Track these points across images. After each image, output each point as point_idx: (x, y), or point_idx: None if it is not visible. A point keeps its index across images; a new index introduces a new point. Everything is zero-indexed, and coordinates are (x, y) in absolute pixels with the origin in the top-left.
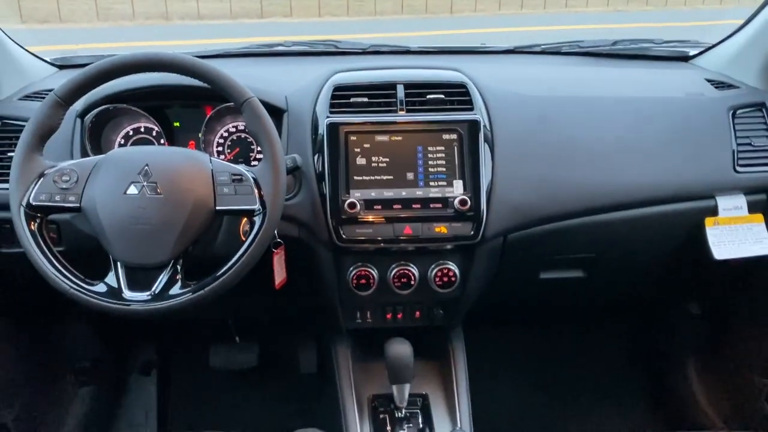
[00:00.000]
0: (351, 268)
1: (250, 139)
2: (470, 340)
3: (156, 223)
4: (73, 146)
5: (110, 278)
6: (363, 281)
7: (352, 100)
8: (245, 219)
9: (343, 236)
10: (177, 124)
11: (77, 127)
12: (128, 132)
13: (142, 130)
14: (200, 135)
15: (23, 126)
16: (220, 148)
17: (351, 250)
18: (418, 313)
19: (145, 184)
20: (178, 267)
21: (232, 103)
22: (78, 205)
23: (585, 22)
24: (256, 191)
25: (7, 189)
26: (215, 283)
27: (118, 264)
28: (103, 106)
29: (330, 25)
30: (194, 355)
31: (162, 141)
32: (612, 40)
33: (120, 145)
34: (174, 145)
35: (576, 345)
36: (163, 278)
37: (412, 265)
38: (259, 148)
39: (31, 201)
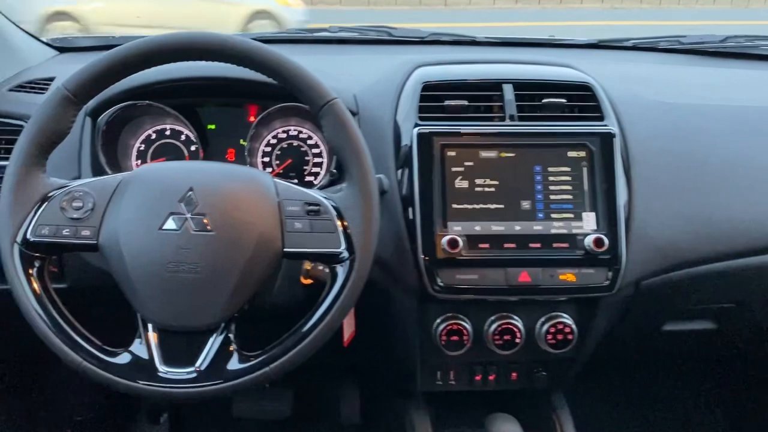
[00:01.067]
0: (438, 321)
1: (304, 148)
2: (570, 400)
3: (204, 270)
4: (81, 155)
5: (137, 347)
6: (454, 338)
7: (446, 103)
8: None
9: (440, 283)
10: (212, 126)
11: (87, 129)
12: (150, 135)
13: (168, 133)
14: (245, 142)
15: (17, 127)
16: (267, 159)
17: (440, 299)
18: (515, 375)
19: (188, 216)
20: (232, 331)
21: (304, 105)
22: (95, 242)
23: (580, 18)
24: (339, 227)
25: None
26: (285, 357)
27: (149, 326)
28: (123, 104)
29: (319, 14)
30: (213, 401)
31: (193, 148)
32: (721, 36)
33: (139, 153)
34: (208, 154)
35: (691, 399)
36: (211, 347)
37: (516, 318)
38: (319, 160)
39: (28, 236)
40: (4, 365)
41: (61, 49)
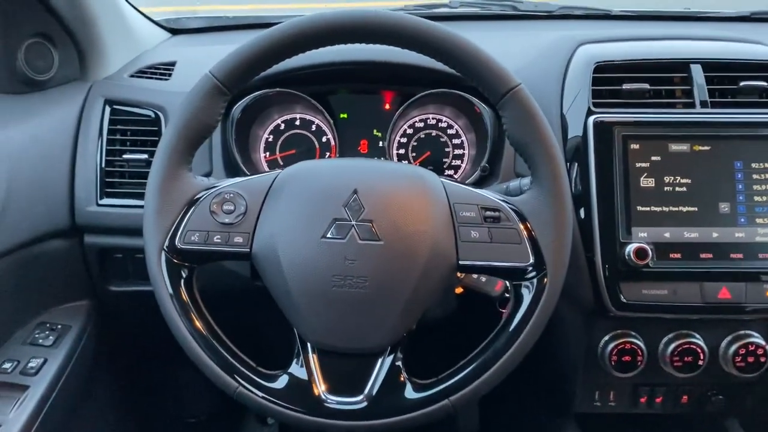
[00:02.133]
0: (606, 338)
1: (444, 139)
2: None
3: (373, 285)
4: (212, 149)
5: (296, 369)
6: (626, 358)
7: (625, 86)
8: None
9: (623, 299)
10: (344, 115)
11: None
12: (278, 126)
13: (297, 123)
14: (379, 132)
15: (143, 116)
16: (402, 151)
17: (612, 316)
18: (685, 398)
19: (354, 223)
20: (400, 355)
21: (459, 92)
22: (248, 250)
23: None
24: (525, 237)
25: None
26: (469, 388)
27: (308, 347)
28: (259, 92)
29: None
30: None
31: (324, 139)
32: None
33: (267, 144)
34: (339, 145)
35: None
36: (379, 373)
37: (697, 337)
38: (460, 152)
39: (177, 243)
40: (126, 363)
41: (174, 31)
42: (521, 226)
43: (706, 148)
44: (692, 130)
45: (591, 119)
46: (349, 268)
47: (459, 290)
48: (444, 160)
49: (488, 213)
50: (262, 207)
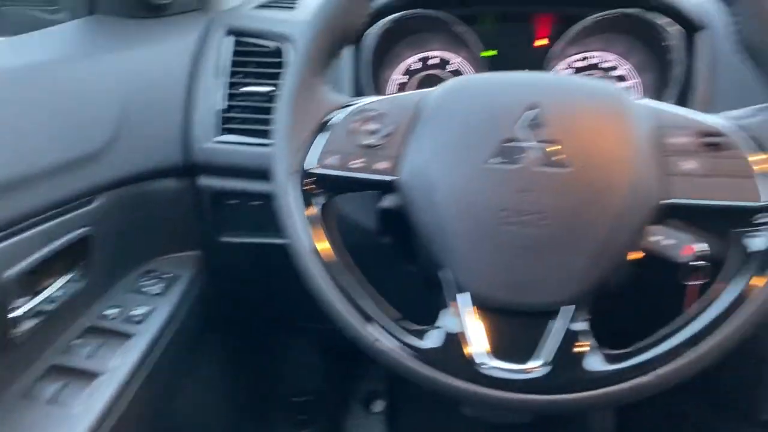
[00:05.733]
0: None
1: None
2: None
3: (555, 223)
4: (341, 87)
5: (450, 321)
6: None
7: None
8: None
9: None
10: (489, 53)
11: (347, 54)
12: (409, 66)
13: (432, 62)
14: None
15: (266, 48)
16: None
17: None
18: None
19: (533, 144)
20: (586, 317)
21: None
22: (395, 177)
23: None
24: (758, 171)
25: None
26: (679, 362)
27: (467, 299)
28: (404, 12)
29: None
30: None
31: None
32: None
33: (400, 87)
34: None
35: None
36: (561, 335)
37: None
38: None
39: (312, 167)
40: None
41: None
42: (753, 157)
43: None
44: None
45: None
46: (523, 201)
47: (637, 255)
48: None
49: (707, 139)
50: (412, 127)
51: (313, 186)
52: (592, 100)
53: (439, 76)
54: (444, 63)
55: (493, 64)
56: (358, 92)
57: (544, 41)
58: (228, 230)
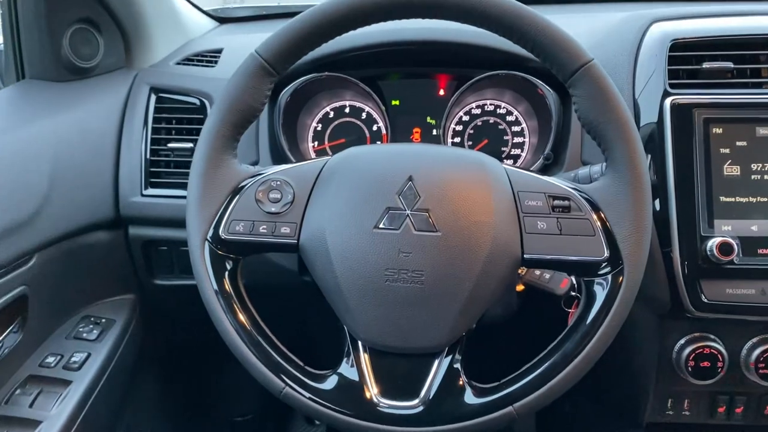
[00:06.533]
0: (683, 342)
1: (503, 126)
2: None
3: (430, 280)
4: (258, 137)
5: (346, 369)
6: (705, 364)
7: (705, 65)
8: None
9: (704, 299)
10: (396, 102)
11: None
12: (327, 114)
13: (347, 111)
14: (432, 120)
15: (189, 104)
16: (458, 139)
17: (689, 317)
18: None
19: (409, 212)
20: (458, 357)
21: (519, 73)
22: (295, 241)
23: None
24: (599, 228)
25: (163, 199)
26: (535, 395)
27: (359, 346)
28: (309, 76)
29: None
30: None
31: (375, 127)
32: None
33: (316, 133)
34: (391, 134)
35: None
36: (436, 375)
37: None
38: (520, 140)
39: (221, 233)
40: (172, 359)
41: (222, 20)
42: (594, 216)
43: None
44: None
45: (668, 101)
46: (403, 261)
47: (520, 288)
48: (503, 148)
49: (557, 202)
50: (310, 195)
51: (224, 250)
52: (460, 169)
53: (354, 122)
54: (359, 111)
55: (401, 111)
56: (273, 141)
57: (444, 92)
58: (161, 273)
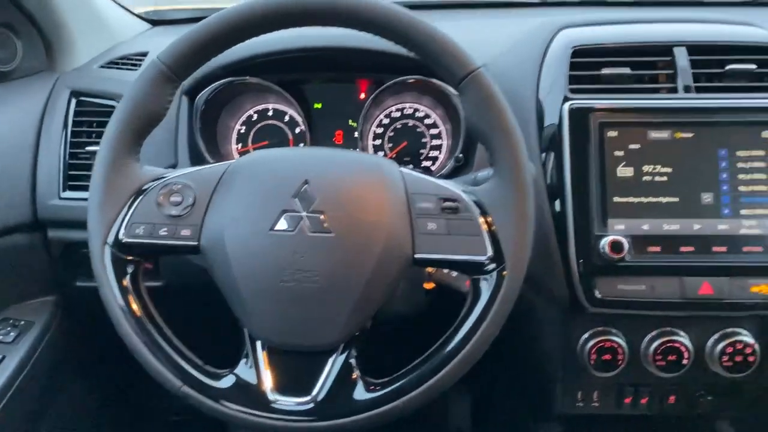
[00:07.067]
0: (586, 336)
1: (421, 129)
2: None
3: (323, 279)
4: (177, 140)
5: (244, 369)
6: (606, 357)
7: (604, 71)
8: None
9: (597, 295)
10: (318, 105)
11: (183, 110)
12: (251, 117)
13: (270, 113)
14: (354, 123)
15: (110, 107)
16: (378, 142)
17: (591, 312)
18: (672, 398)
19: (304, 214)
20: (353, 354)
21: (429, 79)
22: (195, 243)
23: None
24: (484, 229)
25: (83, 202)
26: (421, 389)
27: (257, 345)
28: (222, 81)
29: None
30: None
31: (298, 130)
32: None
33: (240, 136)
34: (314, 136)
35: None
36: (330, 372)
37: (682, 335)
38: (437, 143)
39: (121, 237)
40: (98, 360)
41: (154, 22)
42: (480, 218)
43: (689, 135)
44: (674, 117)
45: (566, 106)
46: (298, 261)
47: (429, 286)
48: (421, 151)
49: (446, 204)
50: (211, 198)
51: (125, 254)
52: (356, 172)
53: (276, 125)
54: (281, 114)
55: (324, 115)
56: (192, 143)
57: (364, 96)
58: (82, 275)
